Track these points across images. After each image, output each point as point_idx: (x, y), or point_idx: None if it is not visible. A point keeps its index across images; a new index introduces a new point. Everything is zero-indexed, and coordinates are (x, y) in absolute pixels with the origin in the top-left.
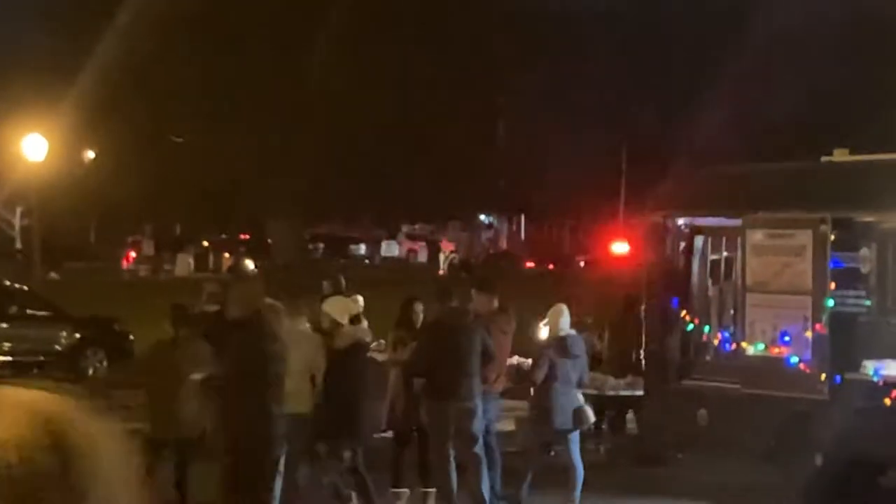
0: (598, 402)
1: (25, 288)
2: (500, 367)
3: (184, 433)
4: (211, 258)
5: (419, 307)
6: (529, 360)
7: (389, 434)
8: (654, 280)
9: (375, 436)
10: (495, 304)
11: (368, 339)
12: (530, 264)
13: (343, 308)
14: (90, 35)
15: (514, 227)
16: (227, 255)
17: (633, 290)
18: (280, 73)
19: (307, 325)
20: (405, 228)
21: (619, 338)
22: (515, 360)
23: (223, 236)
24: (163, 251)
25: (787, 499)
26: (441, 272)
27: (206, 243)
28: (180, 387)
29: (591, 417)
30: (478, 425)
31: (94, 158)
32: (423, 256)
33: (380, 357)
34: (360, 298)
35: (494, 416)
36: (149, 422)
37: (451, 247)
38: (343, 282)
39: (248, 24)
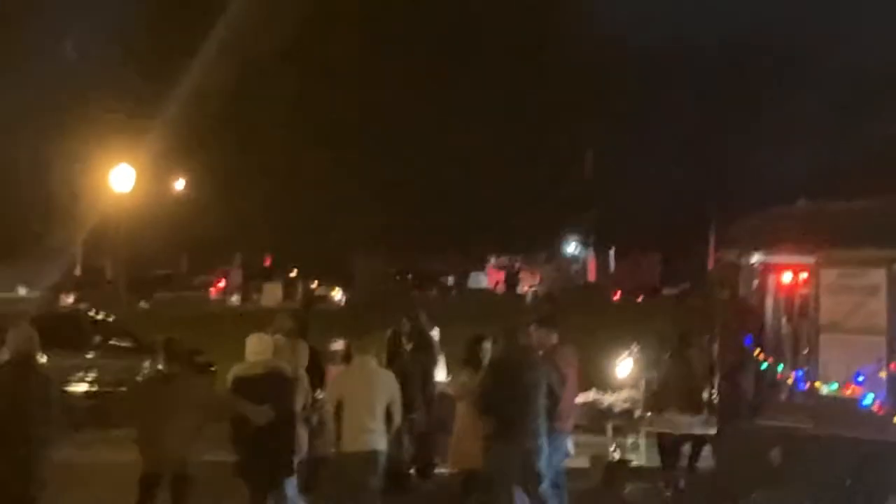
0: (672, 440)
1: (110, 318)
2: (567, 404)
3: (175, 469)
4: (300, 288)
5: (487, 345)
6: (608, 396)
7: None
8: (729, 317)
9: (443, 471)
10: (554, 339)
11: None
12: (618, 296)
13: (260, 346)
14: (177, 65)
15: (603, 260)
16: (315, 285)
17: (687, 326)
18: (368, 106)
19: (374, 360)
20: (493, 260)
21: (679, 374)
22: (592, 395)
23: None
24: (251, 281)
25: None
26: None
27: (293, 274)
28: (169, 423)
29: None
30: (543, 464)
31: (183, 188)
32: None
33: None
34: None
35: (563, 454)
36: (141, 457)
37: (536, 279)
38: (423, 317)
39: (337, 56)
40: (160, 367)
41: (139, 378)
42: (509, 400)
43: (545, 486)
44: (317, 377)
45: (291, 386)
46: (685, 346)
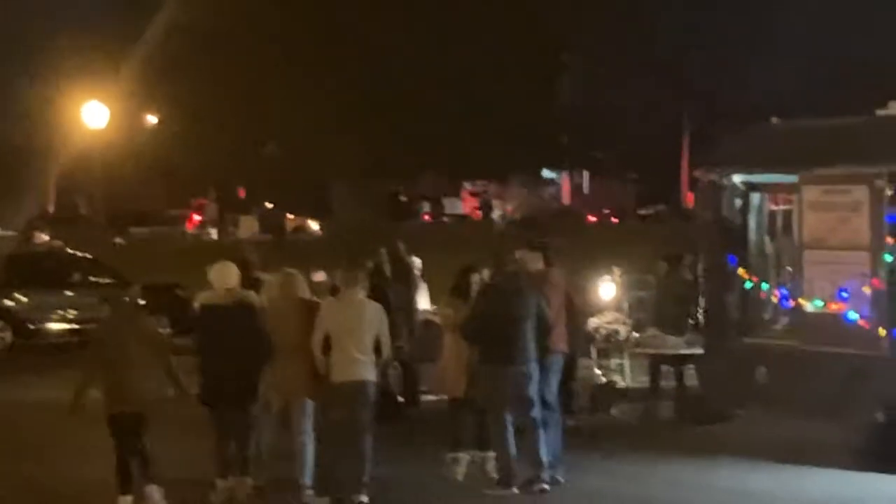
0: (658, 360)
1: (89, 255)
2: (557, 325)
3: (135, 408)
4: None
5: (476, 278)
6: (593, 319)
7: (445, 397)
8: (712, 238)
9: (431, 397)
10: (541, 263)
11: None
12: (593, 219)
13: (225, 274)
14: (149, 2)
15: (578, 183)
16: (290, 216)
17: (673, 249)
18: (343, 34)
19: (362, 292)
20: (468, 186)
21: (670, 296)
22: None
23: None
24: (227, 214)
25: (847, 454)
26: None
27: (269, 205)
28: (129, 361)
29: None
30: (533, 389)
31: (156, 123)
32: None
33: (437, 320)
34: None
35: (556, 374)
36: (103, 396)
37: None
38: (402, 247)
39: None
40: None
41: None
42: (500, 326)
43: (536, 411)
44: None
45: (257, 315)
46: (677, 267)
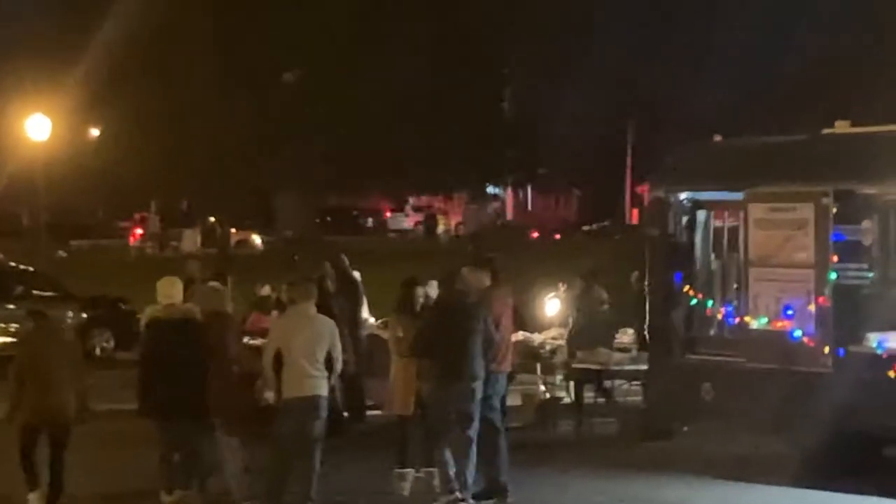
0: (603, 377)
1: (31, 269)
2: (504, 344)
3: (57, 420)
4: (218, 233)
5: (420, 291)
6: (537, 335)
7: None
8: (658, 254)
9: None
10: (487, 281)
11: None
12: (535, 235)
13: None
14: (91, 11)
15: (521, 198)
16: (234, 230)
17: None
18: (287, 43)
19: (313, 307)
20: (412, 200)
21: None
22: (521, 335)
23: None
24: (169, 227)
25: (792, 471)
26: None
27: (212, 219)
28: (51, 374)
29: None
30: (474, 407)
31: (99, 136)
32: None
33: (384, 335)
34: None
35: (500, 394)
36: (24, 408)
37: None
38: (345, 260)
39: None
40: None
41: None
42: (448, 343)
43: (472, 430)
44: None
45: (203, 330)
46: (592, 285)
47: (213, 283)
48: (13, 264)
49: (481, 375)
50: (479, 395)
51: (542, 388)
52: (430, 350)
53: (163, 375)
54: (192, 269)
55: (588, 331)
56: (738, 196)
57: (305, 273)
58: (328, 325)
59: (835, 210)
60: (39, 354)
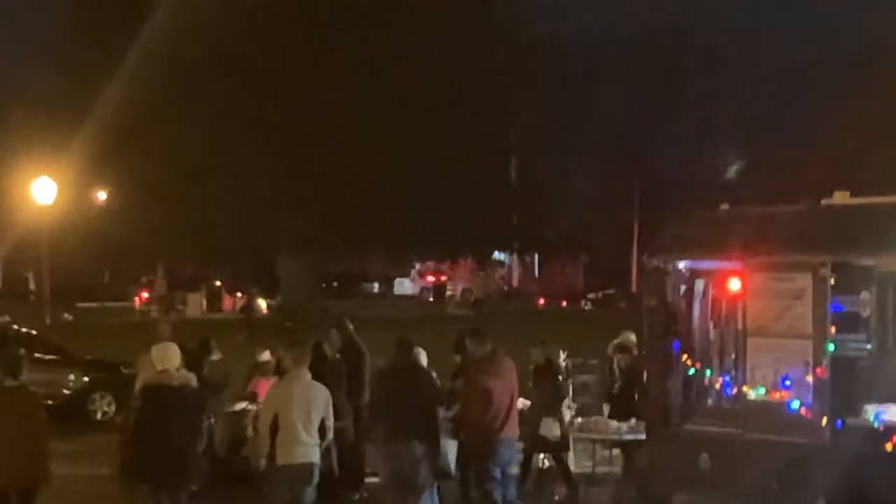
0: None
1: (34, 332)
2: (510, 411)
3: (23, 483)
4: (223, 298)
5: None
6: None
7: None
8: (656, 323)
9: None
10: (487, 348)
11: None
12: (542, 302)
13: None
14: (97, 76)
15: (527, 265)
16: (239, 294)
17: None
18: (291, 111)
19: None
20: (418, 266)
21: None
22: (520, 403)
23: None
24: (175, 291)
25: None
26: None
27: (218, 283)
28: (15, 434)
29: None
30: (423, 473)
31: (105, 199)
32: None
33: None
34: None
35: (508, 461)
36: None
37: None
38: (350, 326)
39: (265, 57)
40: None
41: (65, 391)
42: (391, 409)
43: (424, 497)
44: None
45: (199, 397)
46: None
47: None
48: (16, 327)
49: (425, 436)
50: (423, 460)
51: (542, 456)
52: (378, 416)
53: (155, 442)
54: (163, 331)
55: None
56: (736, 265)
57: (300, 339)
58: (323, 393)
59: (833, 281)
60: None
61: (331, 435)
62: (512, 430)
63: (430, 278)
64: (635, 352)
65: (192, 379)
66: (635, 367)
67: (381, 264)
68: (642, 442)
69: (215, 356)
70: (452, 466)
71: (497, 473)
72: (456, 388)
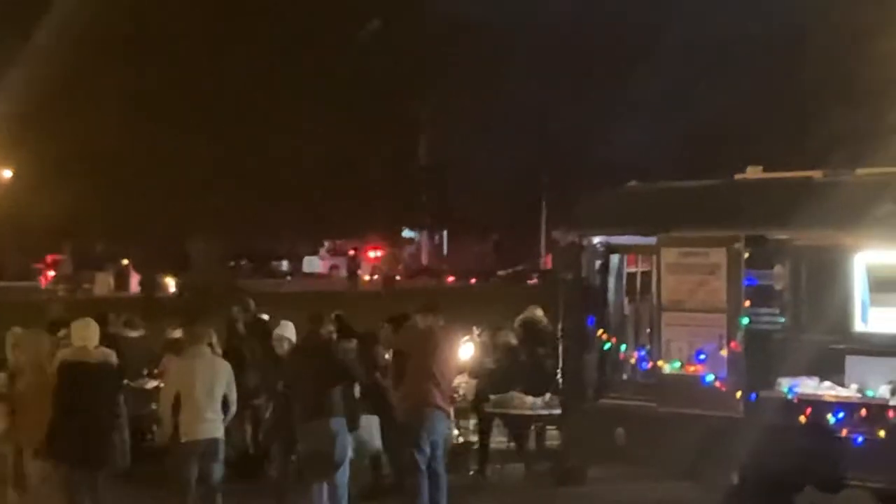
0: (518, 421)
1: None
2: (448, 385)
3: None
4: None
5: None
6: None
7: None
8: (571, 299)
9: None
10: (441, 322)
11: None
12: (451, 279)
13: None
14: (6, 51)
15: (437, 242)
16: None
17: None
18: (201, 88)
19: (208, 349)
20: (327, 244)
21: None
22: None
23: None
24: (83, 270)
25: None
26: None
27: (125, 262)
28: None
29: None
30: (338, 450)
31: (12, 177)
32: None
33: None
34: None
35: (441, 435)
36: None
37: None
38: (252, 304)
39: (172, 38)
40: None
41: None
42: (306, 385)
43: (340, 474)
44: None
45: (118, 376)
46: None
47: (36, 329)
48: None
49: (340, 417)
50: (340, 437)
51: (456, 432)
52: (294, 392)
53: (75, 420)
54: (55, 311)
55: (500, 375)
56: (650, 240)
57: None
58: (225, 367)
59: (747, 255)
60: None
61: (234, 409)
62: (446, 402)
63: (339, 256)
64: (542, 326)
65: (112, 356)
66: (536, 340)
67: (290, 242)
68: (558, 417)
69: (135, 333)
70: (377, 442)
71: (426, 445)
72: (394, 359)
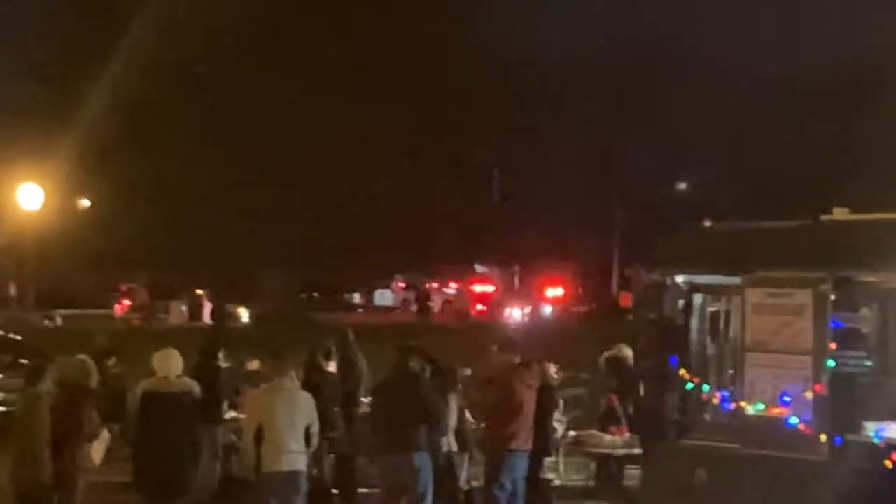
0: (597, 459)
1: (18, 337)
2: (527, 422)
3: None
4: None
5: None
6: None
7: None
8: (654, 338)
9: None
10: (517, 359)
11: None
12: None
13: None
14: (85, 83)
15: (509, 278)
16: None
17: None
18: (276, 121)
19: (289, 381)
20: (399, 277)
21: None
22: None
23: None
24: (157, 299)
25: None
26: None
27: (199, 292)
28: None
29: None
30: (422, 481)
31: (90, 206)
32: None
33: None
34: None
35: (522, 473)
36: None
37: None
38: (351, 337)
39: (243, 74)
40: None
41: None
42: (391, 418)
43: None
44: None
45: (199, 405)
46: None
47: (81, 356)
48: (2, 333)
49: (423, 449)
50: (423, 469)
51: None
52: (379, 425)
53: (156, 450)
54: (100, 341)
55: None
56: (735, 280)
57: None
58: (307, 400)
59: (833, 297)
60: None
61: (316, 441)
62: (528, 441)
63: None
64: (629, 364)
65: (195, 386)
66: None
67: (360, 276)
68: (637, 456)
69: (225, 364)
70: (462, 479)
71: (507, 482)
72: (479, 397)
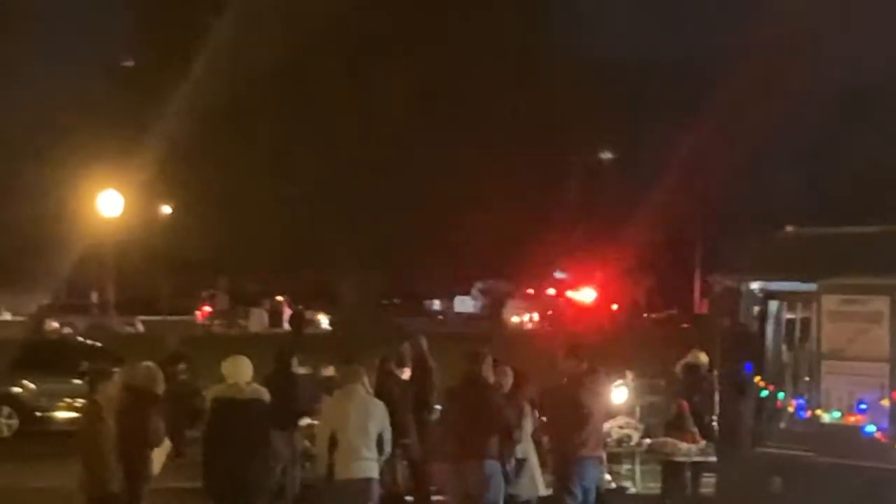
0: (672, 467)
1: (98, 344)
2: (597, 430)
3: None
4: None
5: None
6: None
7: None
8: (729, 344)
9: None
10: (584, 366)
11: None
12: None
13: (238, 368)
14: (165, 91)
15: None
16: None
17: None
18: (354, 127)
19: (362, 388)
20: (479, 284)
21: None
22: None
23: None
24: (238, 306)
25: None
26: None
27: (279, 298)
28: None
29: None
30: (493, 489)
31: (170, 213)
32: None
33: None
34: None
35: (593, 482)
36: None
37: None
38: (424, 344)
39: (324, 81)
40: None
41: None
42: (462, 425)
43: None
44: None
45: (269, 412)
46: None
47: (147, 362)
48: (80, 339)
49: (493, 458)
50: (494, 477)
51: (608, 477)
52: (447, 433)
53: (227, 456)
54: (171, 343)
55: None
56: (811, 287)
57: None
58: (379, 407)
59: None
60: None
61: (388, 448)
62: (599, 448)
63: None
64: (703, 371)
65: (264, 393)
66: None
67: (440, 282)
68: (714, 464)
69: (303, 370)
70: (540, 488)
71: (578, 491)
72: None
